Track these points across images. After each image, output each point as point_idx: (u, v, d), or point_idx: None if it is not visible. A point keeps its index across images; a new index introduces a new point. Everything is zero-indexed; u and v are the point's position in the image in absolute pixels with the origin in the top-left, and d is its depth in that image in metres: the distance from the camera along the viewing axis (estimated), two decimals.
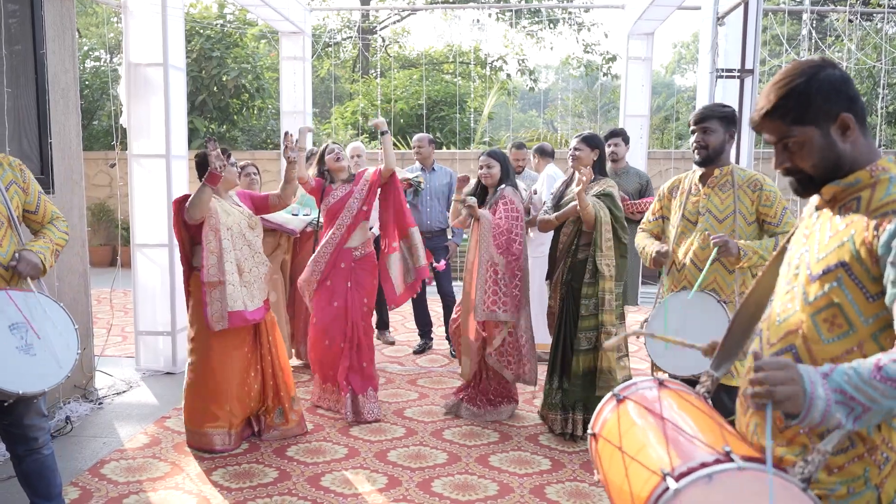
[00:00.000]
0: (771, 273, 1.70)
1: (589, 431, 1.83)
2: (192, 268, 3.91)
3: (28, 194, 2.79)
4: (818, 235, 1.53)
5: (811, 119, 1.47)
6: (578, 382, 4.06)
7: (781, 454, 1.53)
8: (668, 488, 1.39)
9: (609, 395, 1.82)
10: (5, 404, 2.60)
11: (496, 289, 4.23)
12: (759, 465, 1.37)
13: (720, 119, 3.06)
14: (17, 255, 2.63)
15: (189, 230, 3.82)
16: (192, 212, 3.67)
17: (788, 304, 1.55)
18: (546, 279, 4.41)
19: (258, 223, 4.01)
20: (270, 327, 4.06)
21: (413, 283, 4.67)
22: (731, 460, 1.39)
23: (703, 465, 1.40)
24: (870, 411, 1.28)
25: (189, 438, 3.95)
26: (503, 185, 4.42)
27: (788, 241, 1.66)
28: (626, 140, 5.56)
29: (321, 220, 4.71)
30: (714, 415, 1.63)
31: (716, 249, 2.92)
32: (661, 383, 1.76)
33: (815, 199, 1.59)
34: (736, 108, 5.93)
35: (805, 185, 1.55)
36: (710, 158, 3.09)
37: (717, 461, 1.40)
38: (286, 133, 3.97)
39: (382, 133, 4.53)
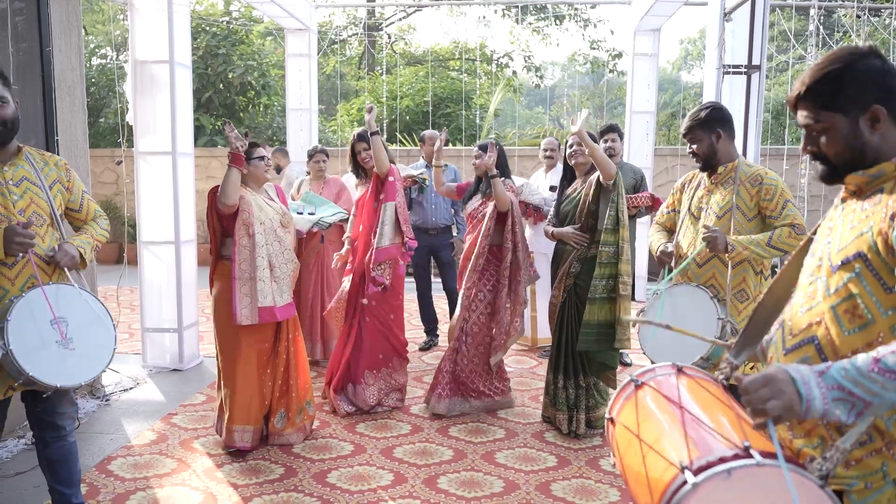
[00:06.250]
0: (795, 264, 1.69)
1: (606, 416, 1.83)
2: (219, 258, 3.87)
3: (72, 193, 2.88)
4: (840, 227, 1.51)
5: (839, 106, 1.47)
6: (592, 332, 3.91)
7: (800, 446, 1.53)
8: (685, 482, 1.39)
9: (627, 379, 1.82)
10: (44, 395, 2.74)
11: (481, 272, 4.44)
12: (778, 462, 1.36)
13: (699, 126, 3.10)
14: (56, 246, 2.72)
15: (222, 222, 3.78)
16: (222, 196, 3.65)
17: (811, 295, 1.54)
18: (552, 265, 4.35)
19: (291, 221, 4.04)
20: (293, 327, 4.01)
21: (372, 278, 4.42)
22: (751, 456, 1.38)
23: (723, 460, 1.39)
24: (871, 405, 1.27)
25: (226, 438, 3.85)
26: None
27: (815, 232, 1.65)
28: (621, 135, 5.57)
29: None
30: (733, 405, 1.62)
31: (705, 242, 2.98)
32: (679, 370, 1.75)
33: (840, 192, 1.58)
34: (742, 104, 5.90)
35: (828, 172, 1.54)
36: (708, 163, 3.14)
37: (737, 456, 1.39)
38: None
39: (372, 133, 4.34)
